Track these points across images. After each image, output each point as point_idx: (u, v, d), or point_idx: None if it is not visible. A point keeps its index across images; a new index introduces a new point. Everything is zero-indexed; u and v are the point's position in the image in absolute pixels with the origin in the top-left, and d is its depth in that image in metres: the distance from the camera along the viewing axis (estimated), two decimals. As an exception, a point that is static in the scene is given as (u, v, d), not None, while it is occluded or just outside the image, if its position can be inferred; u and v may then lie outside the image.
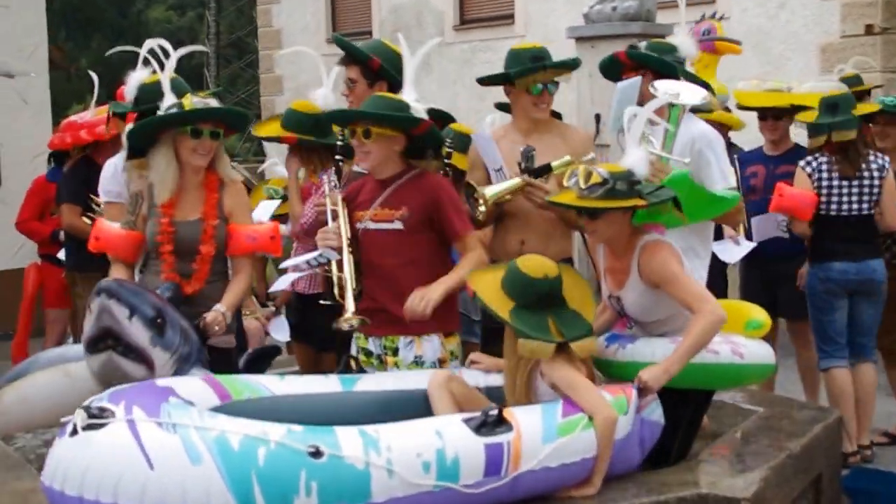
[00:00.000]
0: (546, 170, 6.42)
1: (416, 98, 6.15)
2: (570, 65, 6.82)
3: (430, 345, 6.13)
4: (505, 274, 5.56)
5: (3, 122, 14.18)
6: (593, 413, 5.25)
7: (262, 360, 6.64)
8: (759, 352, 5.99)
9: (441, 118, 7.21)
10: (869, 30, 13.68)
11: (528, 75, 6.57)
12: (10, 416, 6.09)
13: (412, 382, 5.82)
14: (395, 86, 6.74)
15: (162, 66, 6.48)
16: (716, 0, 14.49)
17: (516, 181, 6.39)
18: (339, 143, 6.79)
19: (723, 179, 6.79)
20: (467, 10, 18.28)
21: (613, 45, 7.31)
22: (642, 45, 7.10)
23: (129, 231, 6.15)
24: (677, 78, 6.81)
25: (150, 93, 6.62)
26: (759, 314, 6.19)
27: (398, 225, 6.08)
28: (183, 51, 6.73)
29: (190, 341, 5.76)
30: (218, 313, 5.94)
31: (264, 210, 7.37)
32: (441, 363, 6.10)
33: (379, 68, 6.86)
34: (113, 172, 6.99)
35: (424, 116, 6.00)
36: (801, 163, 8.43)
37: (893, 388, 9.46)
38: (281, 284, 6.93)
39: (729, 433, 6.48)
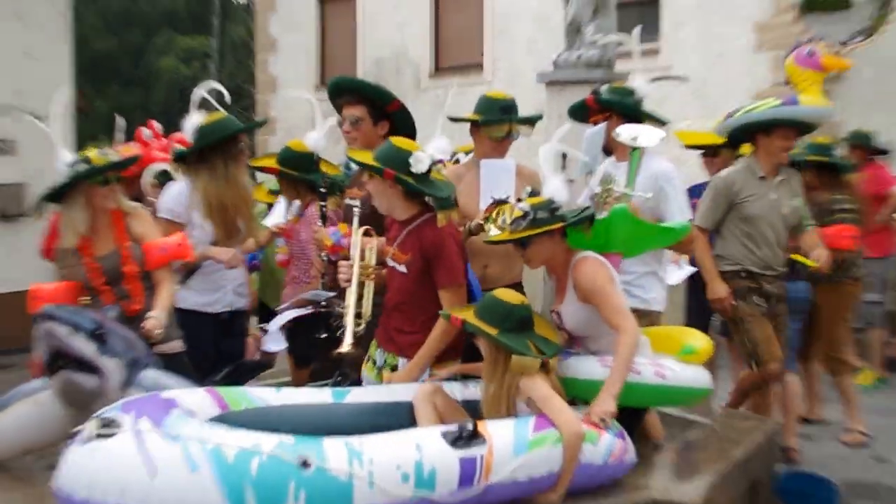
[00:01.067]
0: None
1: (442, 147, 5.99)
2: (533, 120, 6.70)
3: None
4: (481, 306, 5.48)
5: (33, 160, 13.82)
6: (562, 427, 5.12)
7: (243, 372, 6.45)
8: (687, 375, 5.84)
9: None
10: (795, 80, 13.53)
11: (495, 125, 6.49)
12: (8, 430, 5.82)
13: (399, 395, 5.71)
14: (397, 123, 6.62)
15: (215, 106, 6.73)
16: (661, 51, 14.48)
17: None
18: (321, 186, 6.89)
19: (680, 212, 6.78)
20: (442, 60, 18.28)
21: (579, 88, 7.35)
22: (604, 88, 7.03)
23: (63, 282, 6.15)
24: (640, 119, 6.79)
25: (211, 131, 6.65)
26: (696, 341, 6.10)
27: (403, 269, 5.92)
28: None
29: (135, 347, 5.68)
30: (154, 319, 5.95)
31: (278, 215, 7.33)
32: None
33: (385, 108, 6.69)
34: (177, 194, 6.81)
35: (424, 167, 5.72)
36: None
37: (842, 394, 9.38)
38: (275, 325, 6.89)
39: (678, 442, 6.40)
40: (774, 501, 6.86)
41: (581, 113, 7.06)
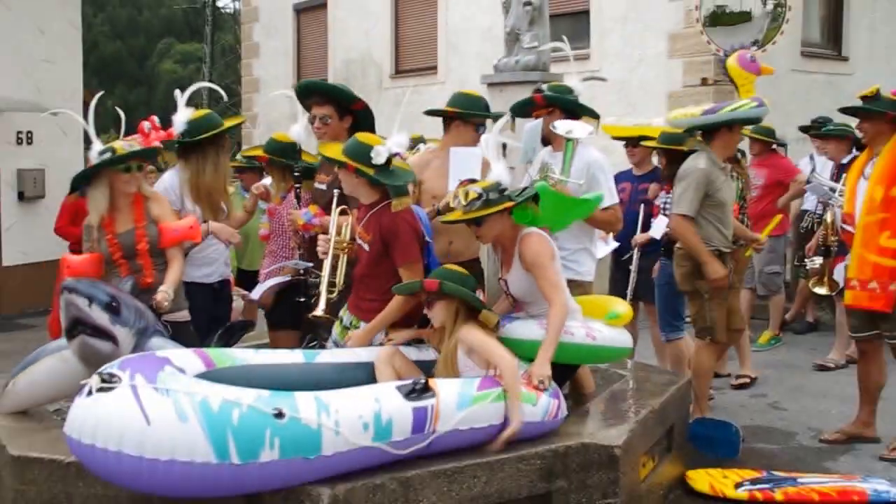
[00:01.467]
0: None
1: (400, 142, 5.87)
2: (499, 116, 6.56)
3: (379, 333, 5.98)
4: (442, 275, 5.50)
5: (49, 149, 14.36)
6: (500, 361, 5.25)
7: (234, 333, 6.36)
8: (612, 336, 5.97)
9: None
10: (704, 82, 13.84)
11: (479, 118, 6.65)
12: (21, 397, 5.85)
13: (361, 357, 5.74)
14: (359, 118, 6.62)
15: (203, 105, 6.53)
16: (590, 57, 14.46)
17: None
18: (295, 171, 6.83)
19: (609, 195, 6.76)
20: (401, 63, 18.19)
21: (517, 89, 7.25)
22: (544, 86, 6.99)
23: (90, 254, 6.07)
24: (578, 113, 6.82)
25: (206, 125, 6.60)
26: (619, 307, 6.18)
27: (366, 247, 5.93)
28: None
29: (145, 317, 5.64)
30: (163, 292, 5.86)
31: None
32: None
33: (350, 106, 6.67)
34: (169, 183, 6.71)
35: (382, 159, 5.70)
36: None
37: (736, 348, 9.40)
38: (258, 292, 7.00)
39: (605, 394, 6.43)
40: (685, 444, 6.89)
41: (525, 109, 6.97)
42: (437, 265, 6.02)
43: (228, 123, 6.85)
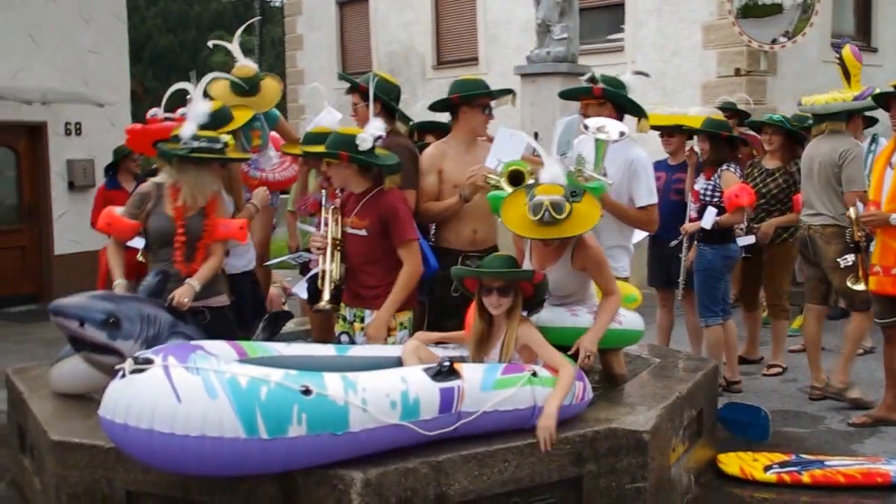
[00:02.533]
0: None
1: (378, 126, 5.85)
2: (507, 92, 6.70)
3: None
4: (493, 261, 5.45)
5: (97, 139, 14.27)
6: (558, 365, 5.24)
7: (277, 322, 6.31)
8: (633, 320, 6.12)
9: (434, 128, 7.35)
10: (737, 72, 13.75)
11: (483, 98, 6.46)
12: (63, 382, 5.87)
13: (390, 351, 5.70)
14: (387, 106, 6.45)
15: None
16: (625, 49, 14.36)
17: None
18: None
19: (648, 194, 6.66)
20: (442, 54, 18.15)
21: (548, 80, 7.21)
22: (598, 75, 6.78)
23: (132, 220, 5.99)
24: (629, 109, 6.63)
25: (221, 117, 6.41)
26: (633, 291, 6.29)
27: (364, 232, 5.94)
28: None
29: (156, 323, 5.53)
30: (186, 286, 5.77)
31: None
32: (390, 331, 5.93)
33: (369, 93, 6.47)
34: None
35: (368, 145, 5.74)
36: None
37: (774, 334, 9.43)
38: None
39: (634, 379, 6.35)
40: (716, 428, 6.83)
41: (573, 95, 6.84)
42: (427, 247, 6.13)
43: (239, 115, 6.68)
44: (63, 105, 13.91)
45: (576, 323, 5.72)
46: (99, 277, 9.77)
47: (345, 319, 6.11)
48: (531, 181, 5.69)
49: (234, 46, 7.38)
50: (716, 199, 8.08)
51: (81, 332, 5.30)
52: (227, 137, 5.97)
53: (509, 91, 6.65)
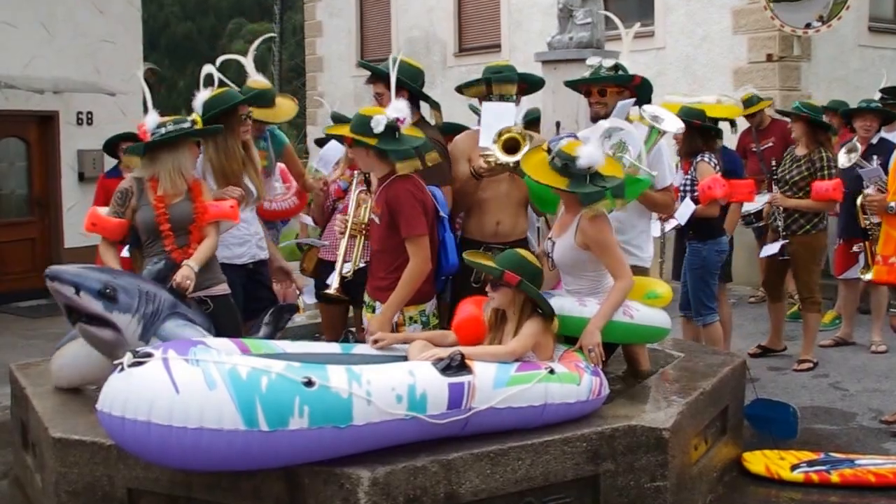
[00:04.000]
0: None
1: (398, 108, 5.73)
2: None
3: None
4: (507, 259, 5.38)
5: (109, 129, 13.84)
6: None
7: (282, 315, 6.29)
8: (650, 316, 5.92)
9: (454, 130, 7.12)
10: (769, 58, 13.62)
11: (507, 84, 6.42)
12: (61, 376, 5.92)
13: (396, 349, 5.64)
14: (413, 92, 6.39)
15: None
16: (654, 34, 14.29)
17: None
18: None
19: (670, 174, 6.84)
20: (464, 41, 18.06)
21: (570, 67, 7.08)
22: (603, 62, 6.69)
23: (118, 219, 5.93)
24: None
25: (211, 105, 6.30)
26: (659, 288, 6.08)
27: (377, 220, 5.90)
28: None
29: (156, 300, 5.48)
30: (186, 268, 5.70)
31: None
32: (398, 326, 5.85)
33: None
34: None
35: (381, 127, 5.62)
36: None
37: (805, 328, 9.38)
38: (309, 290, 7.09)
39: (655, 375, 6.32)
40: (742, 425, 6.78)
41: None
42: (452, 241, 6.00)
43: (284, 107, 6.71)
44: (75, 94, 13.94)
45: (582, 313, 5.64)
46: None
47: (368, 306, 6.08)
48: (527, 146, 5.89)
49: (247, 60, 7.42)
50: (695, 193, 8.00)
51: (77, 301, 5.27)
52: (194, 115, 5.98)
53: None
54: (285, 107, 7.23)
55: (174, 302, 5.58)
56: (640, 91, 6.61)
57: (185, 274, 5.66)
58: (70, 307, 5.36)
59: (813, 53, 13.73)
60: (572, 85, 6.70)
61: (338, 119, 7.10)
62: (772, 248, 8.90)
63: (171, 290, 5.62)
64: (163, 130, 5.77)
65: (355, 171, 6.41)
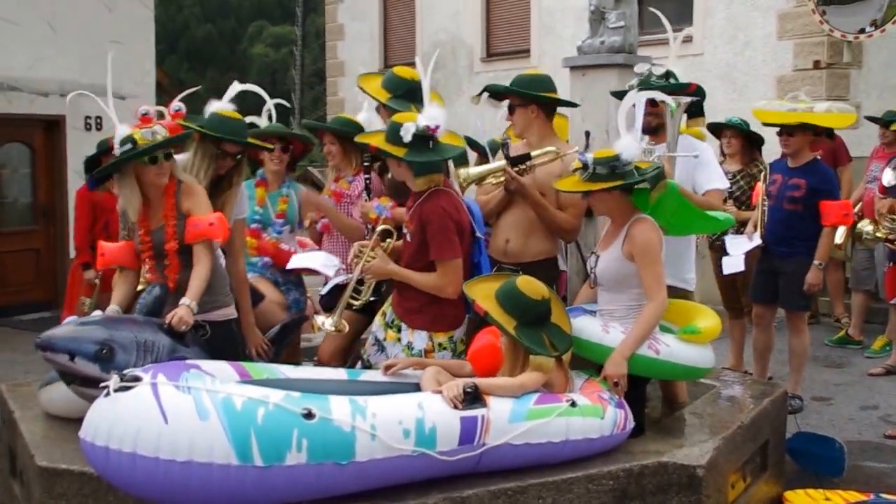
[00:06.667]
0: (526, 158, 6.13)
1: (431, 115, 5.54)
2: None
3: (419, 337, 5.73)
4: (504, 294, 5.16)
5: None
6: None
7: (287, 332, 6.24)
8: (681, 353, 5.53)
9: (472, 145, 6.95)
10: (817, 65, 13.49)
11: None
12: (58, 407, 5.71)
13: (406, 377, 5.48)
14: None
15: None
16: (692, 39, 14.12)
17: (496, 165, 6.21)
18: (365, 160, 6.66)
19: (715, 179, 6.69)
20: (492, 46, 17.97)
21: (601, 72, 6.93)
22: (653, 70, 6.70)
23: (126, 241, 5.80)
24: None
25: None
26: (703, 321, 5.75)
27: (409, 237, 5.74)
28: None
29: (154, 349, 5.24)
30: (183, 307, 5.35)
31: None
32: (426, 353, 5.69)
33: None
34: None
35: (409, 137, 5.45)
36: None
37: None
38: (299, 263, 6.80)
39: (689, 407, 6.18)
40: (784, 461, 6.61)
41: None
42: (487, 264, 5.84)
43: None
44: (82, 98, 13.79)
45: (602, 340, 5.41)
46: (66, 300, 9.52)
47: (384, 316, 5.95)
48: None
49: (268, 105, 7.43)
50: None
51: (72, 367, 5.12)
52: (139, 134, 5.45)
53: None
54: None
55: (173, 346, 5.32)
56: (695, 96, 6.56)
57: (181, 316, 5.33)
58: (63, 373, 5.24)
59: (864, 61, 13.55)
60: (618, 95, 6.56)
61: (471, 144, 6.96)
62: (737, 265, 8.69)
63: (169, 330, 5.35)
64: (125, 148, 5.44)
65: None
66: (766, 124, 8.86)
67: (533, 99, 6.23)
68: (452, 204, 5.62)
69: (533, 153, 6.13)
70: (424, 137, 5.47)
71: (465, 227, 5.68)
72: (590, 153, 5.56)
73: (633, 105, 5.85)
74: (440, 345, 5.72)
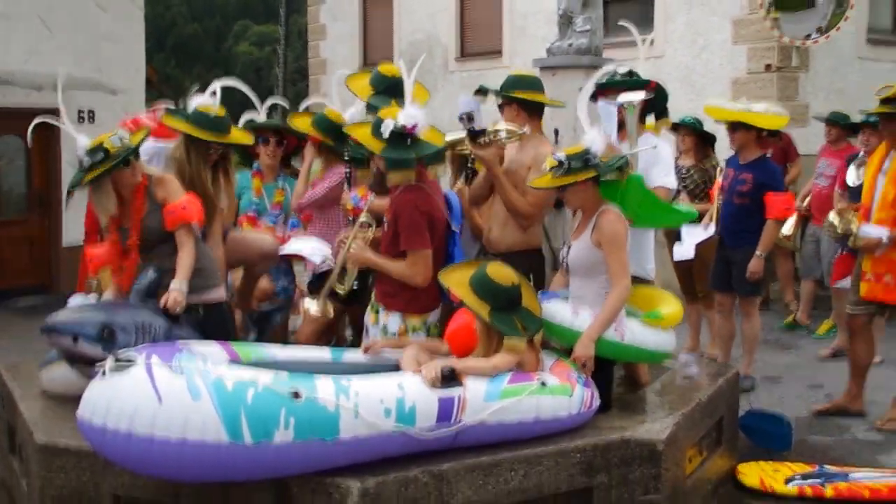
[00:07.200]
0: (482, 132, 6.10)
1: (409, 114, 5.55)
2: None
3: (393, 319, 5.77)
4: (476, 281, 5.15)
5: (111, 127, 13.77)
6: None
7: (267, 320, 6.35)
8: (644, 337, 5.60)
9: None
10: (768, 68, 13.48)
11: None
12: (57, 386, 5.70)
13: (389, 356, 5.50)
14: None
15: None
16: (653, 43, 14.13)
17: (459, 136, 6.32)
18: (346, 155, 6.58)
19: (662, 175, 6.75)
20: (466, 46, 17.86)
21: (569, 73, 7.00)
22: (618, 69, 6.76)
23: (111, 244, 5.73)
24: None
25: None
26: (666, 307, 5.83)
27: (385, 227, 5.79)
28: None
29: (151, 330, 5.28)
30: (174, 292, 5.39)
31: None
32: (400, 334, 5.74)
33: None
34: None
35: (387, 132, 5.51)
36: None
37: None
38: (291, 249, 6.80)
39: (650, 386, 6.23)
40: (737, 437, 6.70)
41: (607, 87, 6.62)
42: (461, 256, 5.85)
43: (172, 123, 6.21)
44: (76, 92, 13.74)
45: (573, 324, 5.45)
46: (78, 280, 9.52)
47: (376, 311, 5.96)
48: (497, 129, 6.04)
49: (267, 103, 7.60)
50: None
51: (76, 348, 5.18)
52: (108, 142, 5.45)
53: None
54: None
55: (168, 327, 5.38)
56: (657, 96, 6.60)
57: (175, 298, 5.37)
58: (68, 355, 5.29)
59: (811, 65, 13.62)
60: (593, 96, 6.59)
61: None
62: (686, 252, 8.83)
63: (164, 312, 5.39)
64: (97, 158, 5.42)
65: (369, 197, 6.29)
66: (716, 121, 8.93)
67: (509, 98, 6.26)
68: (424, 199, 5.64)
69: (489, 128, 6.12)
70: (402, 135, 5.48)
71: (438, 221, 5.71)
72: (561, 151, 5.58)
73: (598, 103, 5.94)
74: (413, 327, 5.75)
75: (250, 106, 7.35)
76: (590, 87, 5.92)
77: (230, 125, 6.17)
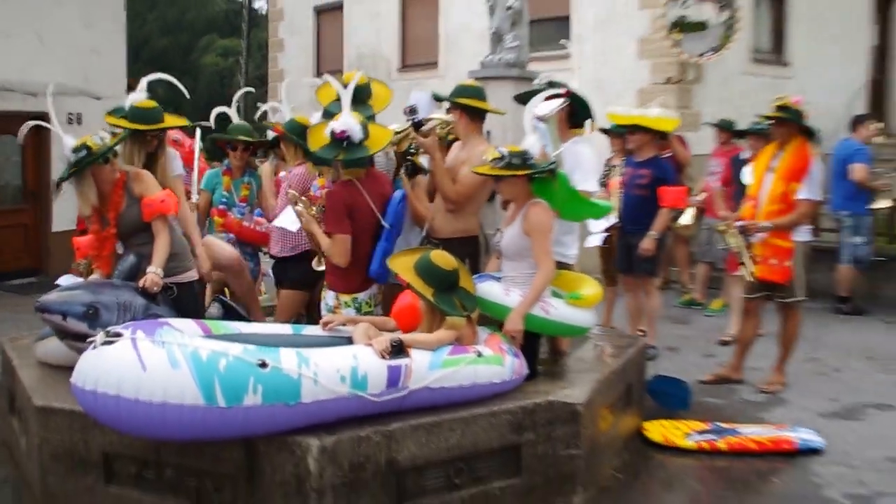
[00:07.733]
0: (421, 124, 6.18)
1: (342, 122, 5.51)
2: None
3: (329, 295, 5.85)
4: (421, 266, 5.14)
5: (96, 128, 13.54)
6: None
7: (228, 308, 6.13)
8: (567, 314, 5.59)
9: None
10: (668, 80, 13.66)
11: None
12: (50, 357, 5.69)
13: (342, 331, 5.46)
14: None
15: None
16: (570, 56, 14.19)
17: (406, 127, 6.26)
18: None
19: (583, 180, 6.51)
20: (407, 58, 17.85)
21: (499, 83, 7.08)
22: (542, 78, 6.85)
23: (95, 234, 5.72)
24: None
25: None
26: (587, 289, 5.79)
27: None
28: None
29: (131, 308, 5.25)
30: (151, 274, 5.39)
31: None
32: (334, 309, 5.78)
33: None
34: None
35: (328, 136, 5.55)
36: None
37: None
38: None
39: (571, 356, 6.25)
40: (645, 399, 6.79)
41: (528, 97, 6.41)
42: (382, 251, 5.73)
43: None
44: (65, 97, 13.55)
45: (504, 301, 5.44)
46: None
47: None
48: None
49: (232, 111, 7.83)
50: None
51: (64, 325, 5.13)
52: (91, 141, 5.43)
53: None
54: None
55: (146, 305, 5.34)
56: (577, 104, 6.70)
57: (153, 280, 5.37)
58: (58, 331, 5.25)
59: (705, 78, 13.77)
60: (520, 98, 6.58)
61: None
62: (593, 241, 8.78)
63: (143, 292, 5.36)
64: (73, 158, 5.39)
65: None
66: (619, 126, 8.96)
67: (455, 104, 6.28)
68: (349, 192, 5.66)
69: (426, 120, 6.26)
70: (338, 139, 5.47)
71: (361, 212, 5.68)
72: (504, 147, 5.59)
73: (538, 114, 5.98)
74: (345, 303, 5.76)
75: (216, 103, 7.67)
76: (538, 101, 5.93)
77: (162, 113, 6.20)
